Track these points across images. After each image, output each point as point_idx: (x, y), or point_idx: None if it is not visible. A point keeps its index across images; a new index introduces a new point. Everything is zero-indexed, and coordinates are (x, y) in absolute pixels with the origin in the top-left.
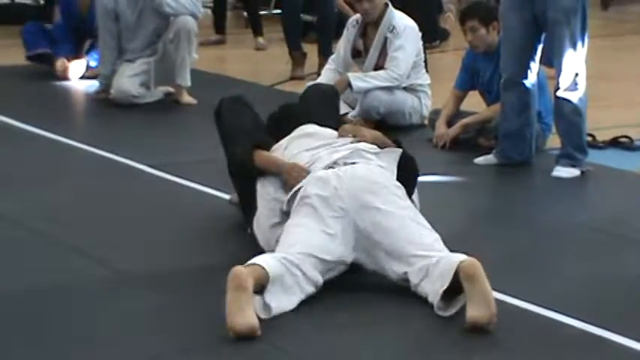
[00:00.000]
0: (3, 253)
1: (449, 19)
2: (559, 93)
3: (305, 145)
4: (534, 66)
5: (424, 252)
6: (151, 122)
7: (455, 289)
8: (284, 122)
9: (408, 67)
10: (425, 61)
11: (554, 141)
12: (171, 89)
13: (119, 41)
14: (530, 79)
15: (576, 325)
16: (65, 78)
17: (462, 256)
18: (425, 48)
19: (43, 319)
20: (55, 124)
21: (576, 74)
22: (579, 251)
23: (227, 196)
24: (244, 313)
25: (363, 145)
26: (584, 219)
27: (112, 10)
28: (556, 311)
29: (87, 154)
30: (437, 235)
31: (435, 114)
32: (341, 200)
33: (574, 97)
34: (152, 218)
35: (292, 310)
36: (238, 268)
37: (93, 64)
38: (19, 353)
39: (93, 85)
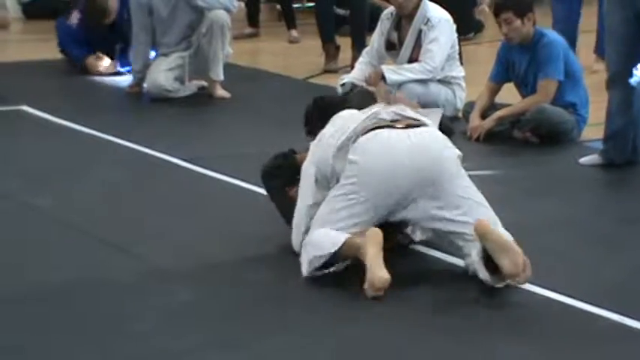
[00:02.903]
0: (37, 247)
1: (483, 11)
2: None
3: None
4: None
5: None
6: (185, 116)
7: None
8: (323, 113)
9: (443, 59)
10: (459, 54)
11: (588, 132)
12: (204, 83)
13: (153, 35)
14: (636, 77)
15: (609, 316)
16: (96, 73)
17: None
18: (459, 40)
19: (76, 313)
20: (89, 118)
21: None
22: (608, 243)
23: (262, 191)
24: (383, 269)
25: (404, 106)
26: (611, 211)
27: (146, 5)
28: (588, 303)
29: (121, 148)
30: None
31: (470, 106)
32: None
33: None
34: (185, 212)
35: (324, 301)
36: (376, 229)
37: (121, 70)
38: (53, 347)
39: (126, 79)
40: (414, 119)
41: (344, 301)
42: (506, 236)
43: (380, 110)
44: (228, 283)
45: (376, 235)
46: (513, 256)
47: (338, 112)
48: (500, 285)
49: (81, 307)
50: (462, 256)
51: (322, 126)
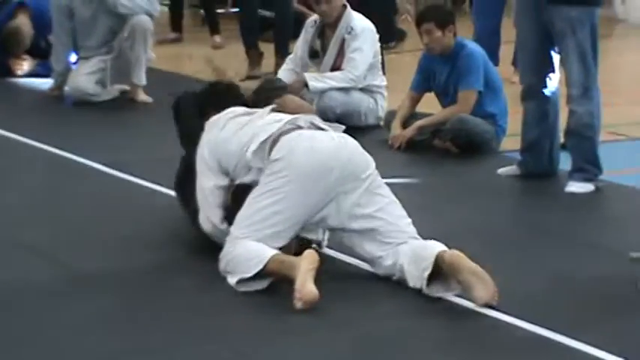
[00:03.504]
0: None
1: (405, 20)
2: (569, 106)
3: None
4: (553, 74)
5: (401, 235)
6: (106, 120)
7: (434, 274)
8: (218, 98)
9: (365, 68)
10: (382, 63)
11: (507, 143)
12: (127, 87)
13: (75, 38)
14: (550, 88)
15: (526, 326)
16: (18, 74)
17: (438, 245)
18: (381, 49)
19: None
20: (8, 120)
21: (586, 88)
22: (523, 253)
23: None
24: (313, 285)
25: (317, 117)
26: (527, 221)
27: (66, 7)
28: (505, 313)
29: (40, 152)
30: (409, 220)
31: (391, 115)
32: (329, 173)
33: (584, 110)
34: (105, 217)
35: (248, 311)
36: (312, 251)
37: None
38: None
39: (47, 82)
40: (325, 130)
41: (268, 312)
42: (476, 267)
43: (299, 117)
44: (150, 289)
45: (312, 255)
46: (486, 286)
47: (232, 101)
48: (433, 295)
49: None
50: (373, 262)
51: (216, 110)
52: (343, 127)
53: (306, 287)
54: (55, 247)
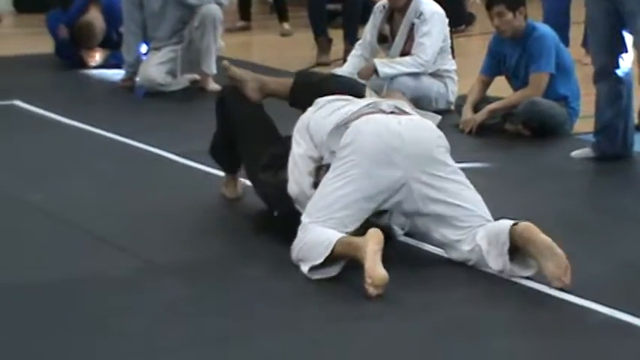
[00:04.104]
0: (30, 243)
1: (474, 3)
2: None
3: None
4: (625, 54)
5: (478, 220)
6: (177, 110)
7: (511, 252)
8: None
9: (435, 53)
10: (451, 47)
11: (580, 125)
12: (197, 77)
13: (145, 30)
14: (622, 68)
15: (601, 310)
16: (91, 65)
17: (509, 221)
18: (451, 32)
19: (70, 310)
20: (82, 112)
21: None
22: (598, 236)
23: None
24: (381, 267)
25: (405, 103)
26: (602, 204)
27: None
28: (580, 297)
29: (113, 143)
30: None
31: (462, 99)
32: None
33: None
34: (178, 207)
35: (321, 298)
36: (376, 229)
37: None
38: (48, 345)
39: (118, 73)
40: (411, 114)
41: (341, 299)
42: (549, 239)
43: (382, 101)
44: (222, 279)
45: (377, 235)
46: (558, 260)
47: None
48: (519, 275)
49: (70, 303)
50: (450, 246)
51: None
52: (439, 117)
53: (375, 271)
54: (125, 237)
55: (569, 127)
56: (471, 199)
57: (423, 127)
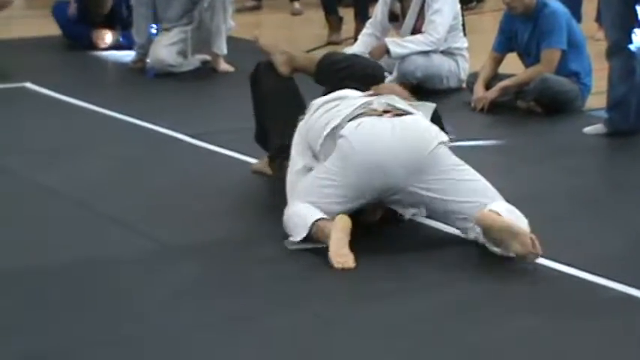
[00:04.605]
0: (40, 223)
1: None
2: None
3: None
4: (638, 30)
5: (480, 208)
6: (189, 91)
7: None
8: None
9: (446, 30)
10: (462, 25)
11: (592, 101)
12: (208, 57)
13: (155, 11)
14: (636, 43)
15: (615, 286)
16: (101, 47)
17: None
18: (462, 10)
19: (88, 291)
20: (92, 94)
21: None
22: (612, 212)
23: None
24: (344, 250)
25: (396, 97)
26: (614, 180)
27: None
28: (593, 273)
29: (125, 124)
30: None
31: (473, 77)
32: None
33: None
34: (191, 188)
35: (333, 278)
36: (344, 216)
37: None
38: (66, 326)
39: (129, 54)
40: (405, 111)
41: (353, 278)
42: (509, 219)
43: (373, 100)
44: (237, 260)
45: (342, 221)
46: (521, 239)
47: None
48: (511, 254)
49: (85, 284)
50: (460, 229)
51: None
52: (433, 105)
53: (338, 256)
54: (139, 218)
55: (581, 104)
56: (472, 190)
57: (416, 129)
